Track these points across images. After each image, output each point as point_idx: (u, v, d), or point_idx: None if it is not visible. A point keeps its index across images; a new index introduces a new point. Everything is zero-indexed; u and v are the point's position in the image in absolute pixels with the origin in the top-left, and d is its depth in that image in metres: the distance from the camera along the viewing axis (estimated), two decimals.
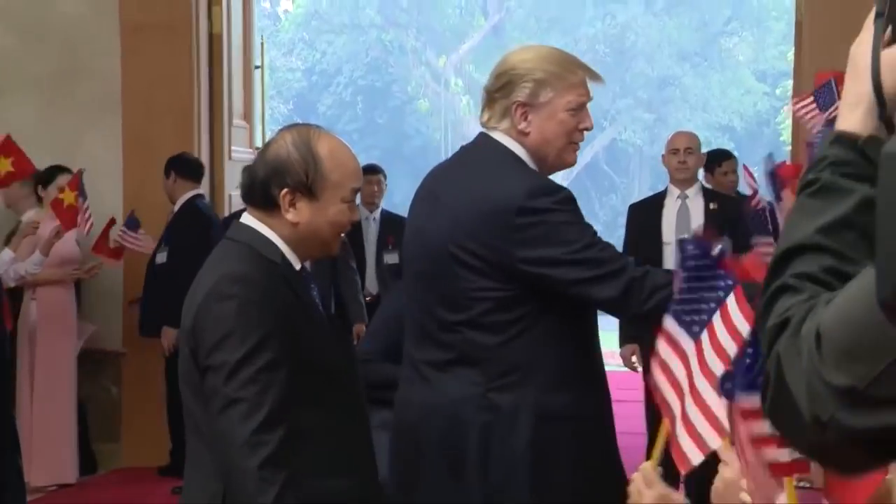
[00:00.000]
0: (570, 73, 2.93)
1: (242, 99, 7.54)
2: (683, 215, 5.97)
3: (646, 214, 6.08)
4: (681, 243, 2.10)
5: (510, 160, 2.91)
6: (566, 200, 2.86)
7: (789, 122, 23.28)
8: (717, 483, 1.93)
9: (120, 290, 6.95)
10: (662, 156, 6.22)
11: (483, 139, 2.99)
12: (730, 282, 1.98)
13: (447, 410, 2.87)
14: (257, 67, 7.84)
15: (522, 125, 2.91)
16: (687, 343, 2.07)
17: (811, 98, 4.71)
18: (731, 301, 1.95)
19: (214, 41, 7.17)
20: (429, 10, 28.83)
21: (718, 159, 6.84)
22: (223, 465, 2.41)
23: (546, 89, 2.90)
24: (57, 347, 6.42)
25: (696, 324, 2.05)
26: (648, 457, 6.00)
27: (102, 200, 6.74)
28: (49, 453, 6.17)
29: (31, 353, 6.34)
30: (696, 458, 1.99)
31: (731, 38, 28.85)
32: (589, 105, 2.98)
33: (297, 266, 2.55)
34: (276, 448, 2.35)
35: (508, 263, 2.80)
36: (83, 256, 6.59)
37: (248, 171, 2.59)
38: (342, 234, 2.61)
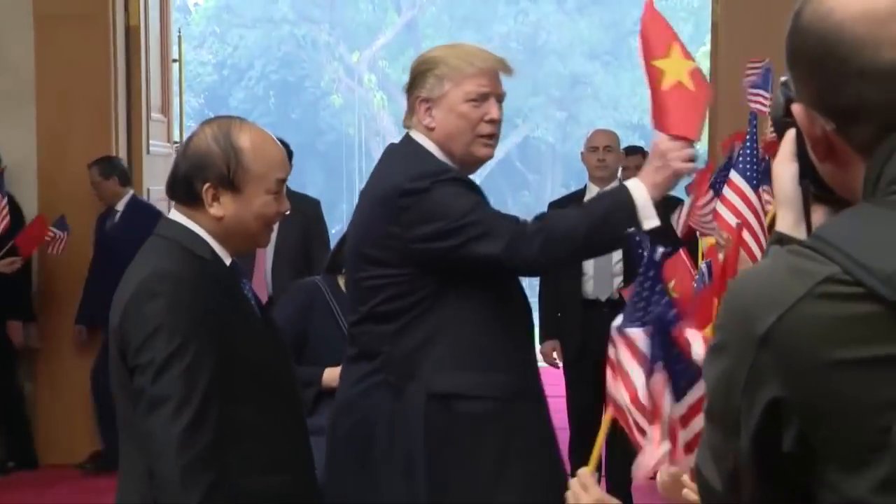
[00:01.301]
0: (468, 65, 2.92)
1: (160, 92, 7.44)
2: None
3: None
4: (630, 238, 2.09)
5: (417, 154, 2.94)
6: (449, 179, 2.87)
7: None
8: (664, 476, 1.95)
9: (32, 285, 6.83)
10: (581, 153, 6.25)
11: (403, 138, 3.03)
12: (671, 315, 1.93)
13: (357, 403, 2.93)
14: (175, 61, 7.75)
15: (427, 120, 2.93)
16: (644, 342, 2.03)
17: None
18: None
19: (132, 33, 7.06)
20: (342, 5, 28.71)
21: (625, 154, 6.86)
22: (149, 465, 2.37)
23: (444, 82, 2.91)
24: None
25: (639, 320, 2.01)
26: (571, 452, 6.02)
27: (16, 194, 6.60)
28: None
29: None
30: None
31: None
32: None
33: (228, 261, 2.51)
34: (204, 448, 2.32)
35: (402, 247, 2.85)
36: None
37: (173, 165, 2.55)
38: (271, 226, 2.55)
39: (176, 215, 2.50)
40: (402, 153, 3.00)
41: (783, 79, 1.36)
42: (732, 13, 6.66)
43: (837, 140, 1.23)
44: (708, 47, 7.59)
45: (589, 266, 5.78)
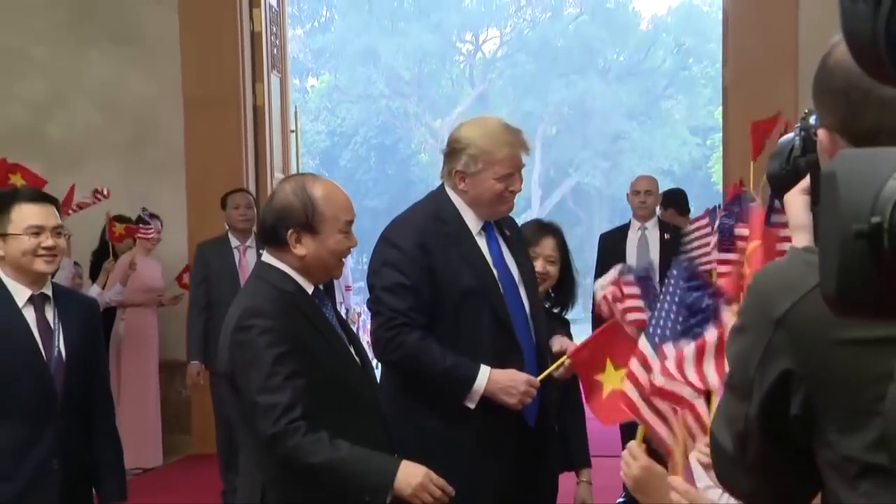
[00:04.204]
0: (497, 150, 2.89)
1: (281, 157, 7.53)
2: (643, 243, 6.00)
3: (613, 242, 6.13)
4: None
5: (438, 204, 2.97)
6: (393, 246, 2.93)
7: (718, 167, 23.28)
8: (633, 470, 1.86)
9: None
10: (627, 195, 6.21)
11: (438, 189, 3.05)
12: (709, 303, 1.84)
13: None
14: (292, 132, 7.83)
15: (461, 186, 2.94)
16: (650, 352, 1.94)
17: (707, 221, 3.50)
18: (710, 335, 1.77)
19: (258, 111, 7.17)
20: (427, 81, 28.90)
21: (665, 204, 6.51)
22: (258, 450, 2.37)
23: (477, 163, 2.90)
24: (140, 359, 6.52)
25: (657, 336, 1.92)
26: (622, 430, 5.83)
27: (171, 241, 6.74)
28: (136, 443, 6.14)
29: (118, 363, 6.39)
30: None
31: (669, 100, 28.95)
32: (534, 162, 3.06)
33: (310, 290, 2.49)
34: (316, 432, 2.31)
35: None
36: (166, 285, 6.61)
37: (261, 217, 2.57)
38: (343, 260, 2.54)
39: (267, 257, 2.50)
40: (433, 199, 3.02)
41: (801, 120, 1.36)
42: (738, 79, 6.58)
43: None
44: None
45: None
